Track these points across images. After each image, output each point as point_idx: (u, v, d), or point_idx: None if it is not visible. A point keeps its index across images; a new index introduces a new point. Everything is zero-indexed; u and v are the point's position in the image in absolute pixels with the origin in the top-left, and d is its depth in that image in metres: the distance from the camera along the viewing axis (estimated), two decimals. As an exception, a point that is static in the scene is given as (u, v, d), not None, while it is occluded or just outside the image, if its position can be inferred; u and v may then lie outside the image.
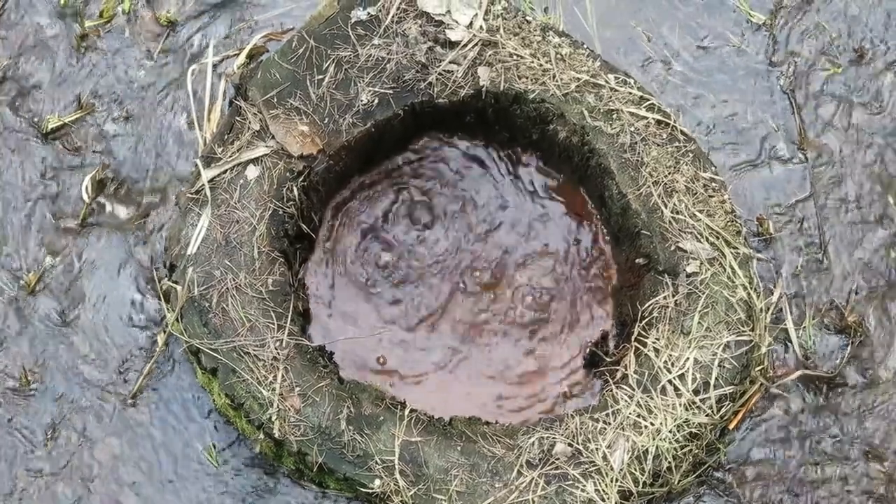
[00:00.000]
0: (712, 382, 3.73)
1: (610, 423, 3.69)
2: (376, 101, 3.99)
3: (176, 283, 3.80)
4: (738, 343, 3.78)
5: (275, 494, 3.84)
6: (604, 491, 3.61)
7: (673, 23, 4.45)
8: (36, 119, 4.24)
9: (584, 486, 3.61)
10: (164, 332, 3.95)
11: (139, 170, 4.19)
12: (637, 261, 3.95)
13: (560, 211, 4.18)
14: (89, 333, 4.00)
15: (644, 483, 3.65)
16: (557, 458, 3.65)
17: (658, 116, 4.00)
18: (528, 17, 4.11)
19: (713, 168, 3.99)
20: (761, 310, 3.89)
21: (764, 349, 3.90)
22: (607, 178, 3.98)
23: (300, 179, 3.90)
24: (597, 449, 3.65)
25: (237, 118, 3.95)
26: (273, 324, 3.73)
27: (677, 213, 3.89)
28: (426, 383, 3.99)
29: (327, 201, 4.12)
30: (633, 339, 3.83)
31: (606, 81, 4.04)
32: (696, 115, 4.32)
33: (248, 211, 3.83)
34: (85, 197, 4.13)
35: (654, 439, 3.66)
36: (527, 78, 4.02)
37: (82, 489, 3.84)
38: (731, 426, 3.92)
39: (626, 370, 3.78)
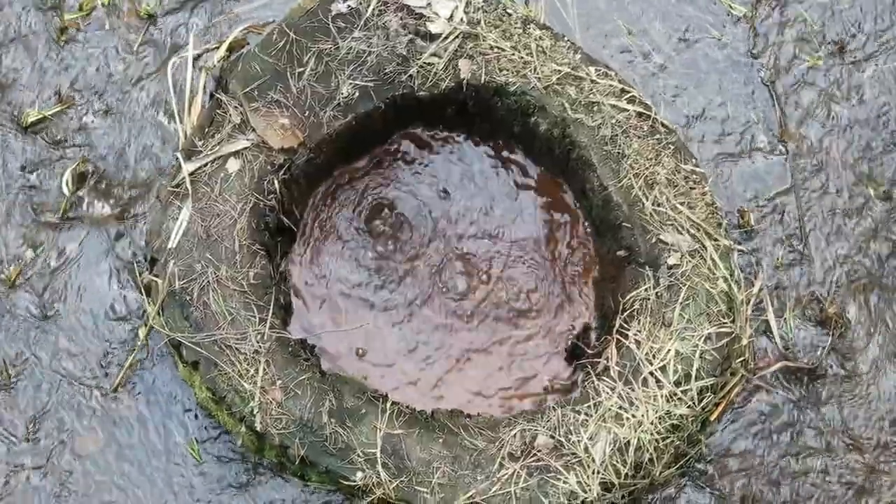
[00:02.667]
0: (693, 374, 3.73)
1: (592, 415, 3.69)
2: (357, 93, 3.99)
3: (157, 276, 3.80)
4: (719, 335, 3.79)
5: (257, 488, 3.83)
6: (586, 483, 3.62)
7: (654, 15, 4.46)
8: (16, 112, 4.22)
9: (566, 477, 3.61)
10: (146, 325, 3.95)
11: (120, 163, 4.18)
12: (618, 253, 3.96)
13: (542, 203, 4.18)
14: (70, 327, 3.99)
15: (626, 475, 3.66)
16: (539, 451, 3.65)
17: (639, 109, 4.01)
18: (508, 10, 4.12)
19: (694, 160, 4.00)
20: (742, 301, 3.90)
21: (745, 341, 3.91)
22: (588, 170, 3.99)
23: (281, 172, 3.90)
24: (578, 441, 3.65)
25: (218, 111, 3.94)
26: (254, 317, 3.73)
27: (658, 205, 3.90)
28: (405, 374, 4.00)
29: (308, 194, 4.12)
30: (614, 332, 3.84)
31: (587, 74, 4.04)
32: (677, 108, 4.33)
33: (229, 204, 3.83)
34: (65, 190, 4.12)
35: (635, 431, 3.66)
36: (508, 70, 4.02)
37: (64, 483, 3.84)
38: (713, 418, 3.93)
39: (608, 362, 3.78)
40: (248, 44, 4.26)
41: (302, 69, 3.98)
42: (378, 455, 3.61)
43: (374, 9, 4.05)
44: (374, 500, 3.62)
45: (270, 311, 3.75)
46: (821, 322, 4.10)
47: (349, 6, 4.05)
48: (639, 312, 3.83)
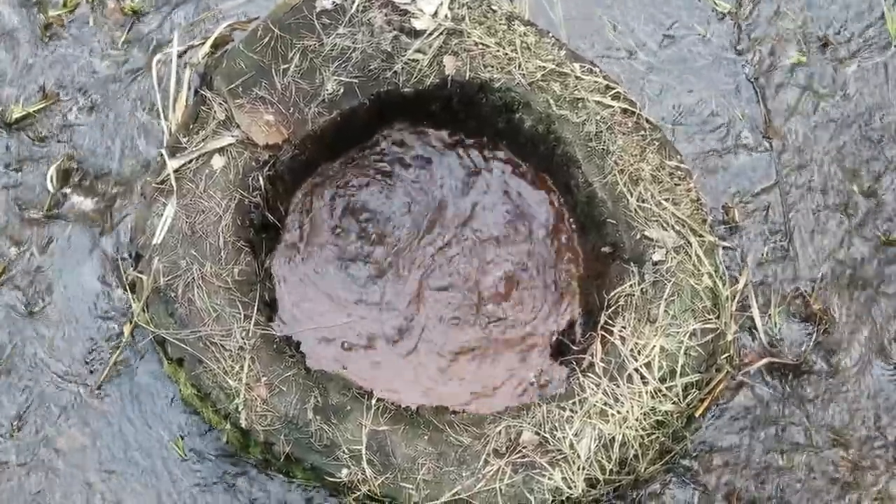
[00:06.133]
0: (678, 370, 3.74)
1: (577, 412, 3.69)
2: (342, 90, 3.98)
3: (141, 273, 3.79)
4: (703, 331, 3.79)
5: (242, 484, 3.83)
6: (571, 479, 3.62)
7: (638, 12, 4.46)
8: (0, 108, 4.21)
9: (551, 474, 3.61)
10: (130, 322, 3.94)
11: (104, 160, 4.17)
12: (603, 249, 3.96)
13: (526, 199, 4.18)
14: (55, 324, 3.98)
15: (611, 471, 3.66)
16: (524, 447, 3.65)
17: (624, 105, 4.02)
18: (493, 6, 4.11)
19: (679, 156, 4.01)
20: (727, 298, 3.90)
21: (730, 337, 3.92)
22: (573, 166, 3.99)
23: (266, 169, 3.90)
24: (564, 437, 3.65)
25: (202, 108, 3.94)
26: (239, 313, 3.72)
27: (643, 201, 3.90)
28: (390, 368, 4.00)
29: (293, 190, 4.12)
30: (599, 328, 3.84)
31: (572, 70, 4.05)
32: (662, 104, 4.33)
33: (214, 201, 3.82)
34: (50, 187, 4.12)
35: (620, 427, 3.67)
36: (492, 67, 4.02)
37: (49, 480, 3.83)
38: (698, 414, 3.93)
39: (593, 358, 3.78)
40: (232, 40, 4.26)
41: (287, 66, 3.98)
42: (363, 452, 3.61)
43: (358, 5, 4.04)
44: (359, 497, 3.62)
45: (255, 307, 3.75)
46: (805, 318, 4.11)
47: (334, 3, 4.04)
48: (624, 309, 3.83)
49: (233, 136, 3.89)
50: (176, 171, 3.84)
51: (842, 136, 4.34)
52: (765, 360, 4.03)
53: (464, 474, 3.62)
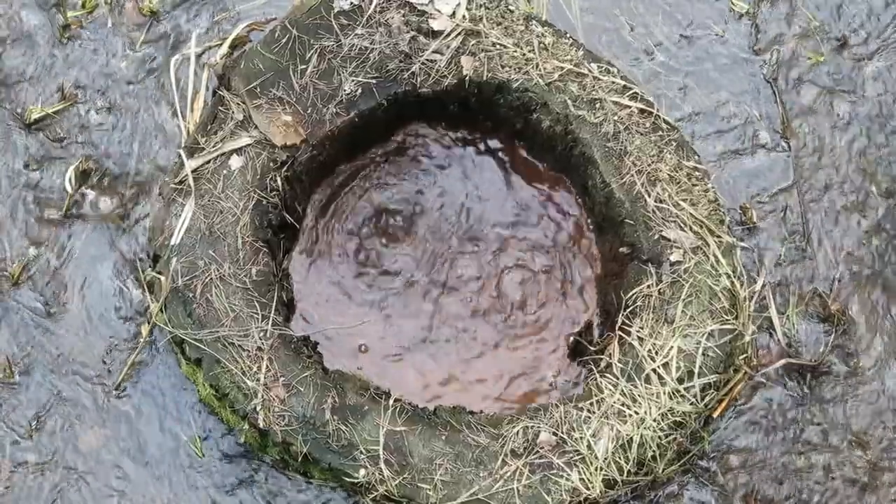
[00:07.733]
0: (696, 371, 3.73)
1: (594, 412, 3.69)
2: (359, 90, 3.98)
3: (160, 273, 3.80)
4: (721, 332, 3.78)
5: (259, 484, 3.83)
6: (588, 480, 3.61)
7: (656, 12, 4.46)
8: (19, 110, 4.22)
9: (569, 474, 3.61)
10: (148, 322, 3.94)
11: (122, 160, 4.18)
12: (621, 250, 3.95)
13: (544, 200, 4.18)
14: (73, 324, 3.99)
15: (628, 472, 3.66)
16: (542, 447, 3.65)
17: (641, 105, 4.01)
18: (510, 7, 4.11)
19: (696, 157, 4.00)
20: (745, 298, 3.89)
21: (748, 338, 3.91)
22: (591, 166, 3.99)
23: (284, 169, 3.90)
24: (581, 438, 3.65)
25: (220, 108, 3.95)
26: (257, 314, 3.73)
27: (661, 201, 3.90)
28: (407, 369, 4.00)
29: (311, 191, 4.12)
30: (617, 328, 3.84)
31: (589, 70, 4.04)
32: (679, 104, 4.33)
33: (232, 201, 3.83)
34: (68, 188, 4.13)
35: (638, 428, 3.66)
36: (510, 67, 4.02)
37: (67, 479, 3.84)
38: (716, 415, 3.92)
39: (611, 359, 3.78)
40: (250, 41, 4.26)
41: (304, 66, 3.99)
42: (381, 452, 3.61)
43: (376, 6, 4.05)
44: (376, 497, 3.62)
45: (273, 307, 3.75)
46: (824, 319, 4.10)
47: (351, 3, 4.05)
48: (641, 309, 3.82)
49: (250, 137, 3.90)
50: (194, 171, 3.85)
51: (860, 135, 4.33)
52: (783, 361, 4.02)
53: (481, 475, 3.62)
